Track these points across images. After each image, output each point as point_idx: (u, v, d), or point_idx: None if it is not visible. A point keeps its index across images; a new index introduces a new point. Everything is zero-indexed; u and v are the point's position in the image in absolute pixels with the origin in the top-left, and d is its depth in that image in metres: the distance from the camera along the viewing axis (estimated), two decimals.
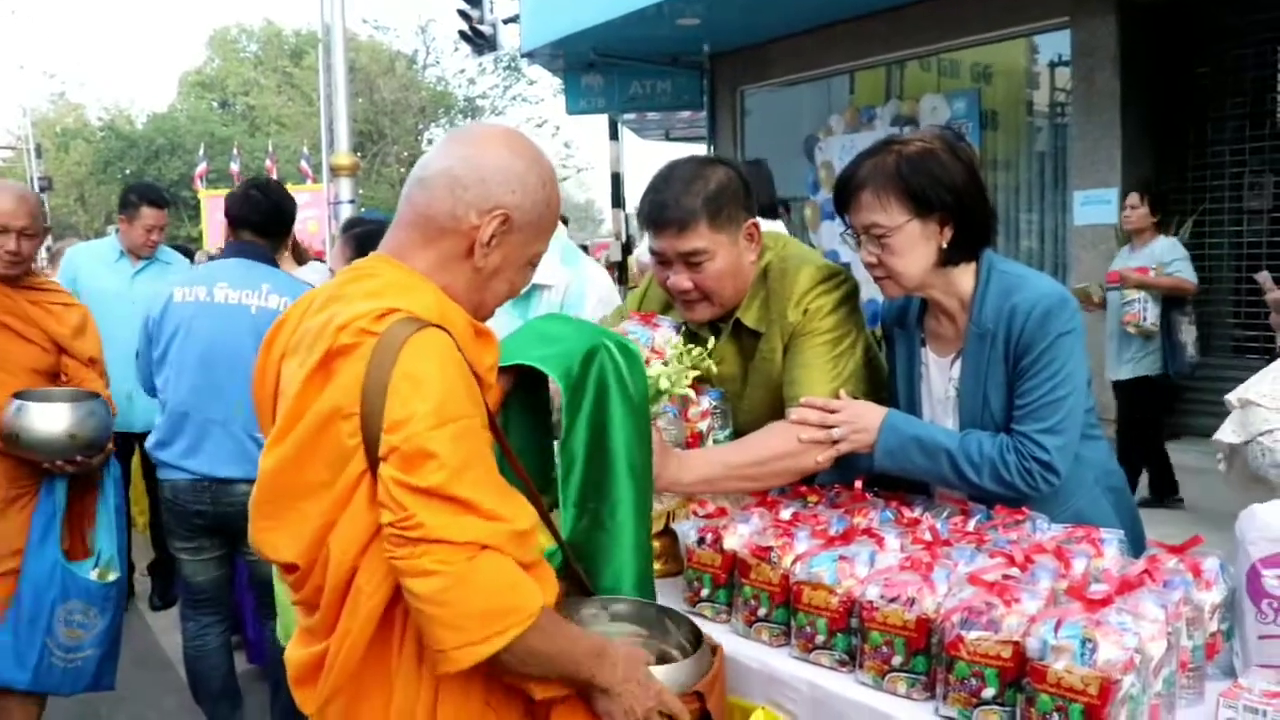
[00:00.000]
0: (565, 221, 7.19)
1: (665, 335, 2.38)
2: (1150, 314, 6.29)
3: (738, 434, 2.38)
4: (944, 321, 2.21)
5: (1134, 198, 6.58)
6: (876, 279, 2.17)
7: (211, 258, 7.64)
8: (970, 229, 2.10)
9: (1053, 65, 9.19)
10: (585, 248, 19.51)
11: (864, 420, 2.13)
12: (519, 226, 1.63)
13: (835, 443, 2.13)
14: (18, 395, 3.20)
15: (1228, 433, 2.03)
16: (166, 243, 5.60)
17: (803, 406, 2.17)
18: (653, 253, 2.33)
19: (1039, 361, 2.04)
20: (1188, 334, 6.28)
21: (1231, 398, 2.02)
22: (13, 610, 3.24)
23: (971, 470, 2.06)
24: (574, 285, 3.19)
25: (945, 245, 2.09)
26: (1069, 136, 8.75)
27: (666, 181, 2.26)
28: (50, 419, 3.18)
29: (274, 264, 3.69)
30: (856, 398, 2.22)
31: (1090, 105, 8.27)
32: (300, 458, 1.54)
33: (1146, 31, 8.13)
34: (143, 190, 5.57)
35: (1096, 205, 8.06)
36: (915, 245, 2.08)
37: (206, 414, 3.48)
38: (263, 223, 3.67)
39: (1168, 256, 6.37)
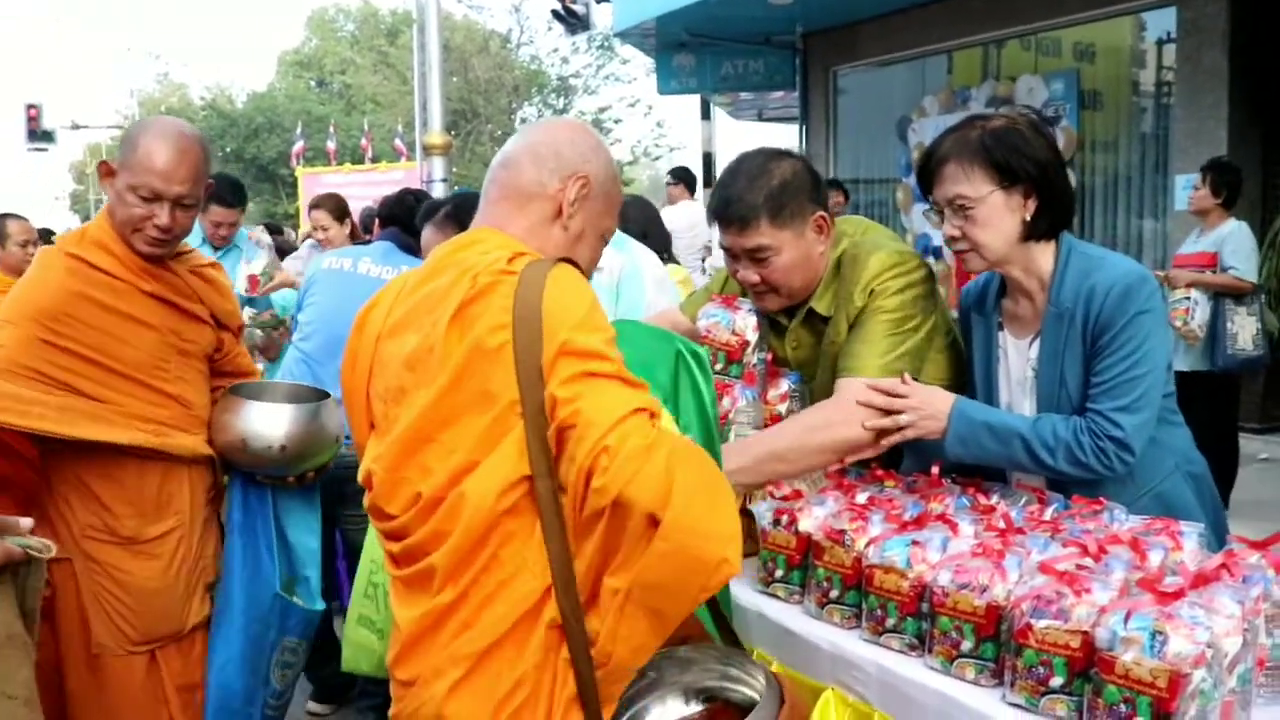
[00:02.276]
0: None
1: (745, 319, 2.41)
2: (1199, 314, 5.81)
3: None
4: (1022, 302, 2.21)
5: (1197, 178, 6.16)
6: (958, 252, 2.17)
7: (306, 237, 7.75)
8: (1052, 204, 2.11)
9: (1160, 44, 8.90)
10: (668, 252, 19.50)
11: (933, 406, 2.13)
12: (595, 195, 1.76)
13: (902, 429, 2.13)
14: (233, 391, 2.64)
15: None
16: (262, 218, 5.72)
17: (870, 390, 2.16)
18: (722, 247, 2.36)
19: (1116, 340, 2.03)
20: (1242, 326, 5.77)
21: None
22: (226, 660, 2.59)
23: (1046, 453, 2.04)
24: (628, 267, 3.23)
25: (1028, 218, 2.10)
26: (1172, 118, 8.49)
27: (733, 177, 2.29)
28: (310, 421, 2.63)
29: (417, 255, 3.84)
30: (915, 379, 2.20)
31: (1195, 85, 8.01)
32: (441, 401, 1.55)
33: (1257, 8, 7.83)
34: (212, 187, 5.57)
35: None
36: (999, 217, 2.09)
37: (330, 375, 3.49)
38: (413, 224, 3.85)
39: (1229, 245, 5.88)
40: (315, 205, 6.08)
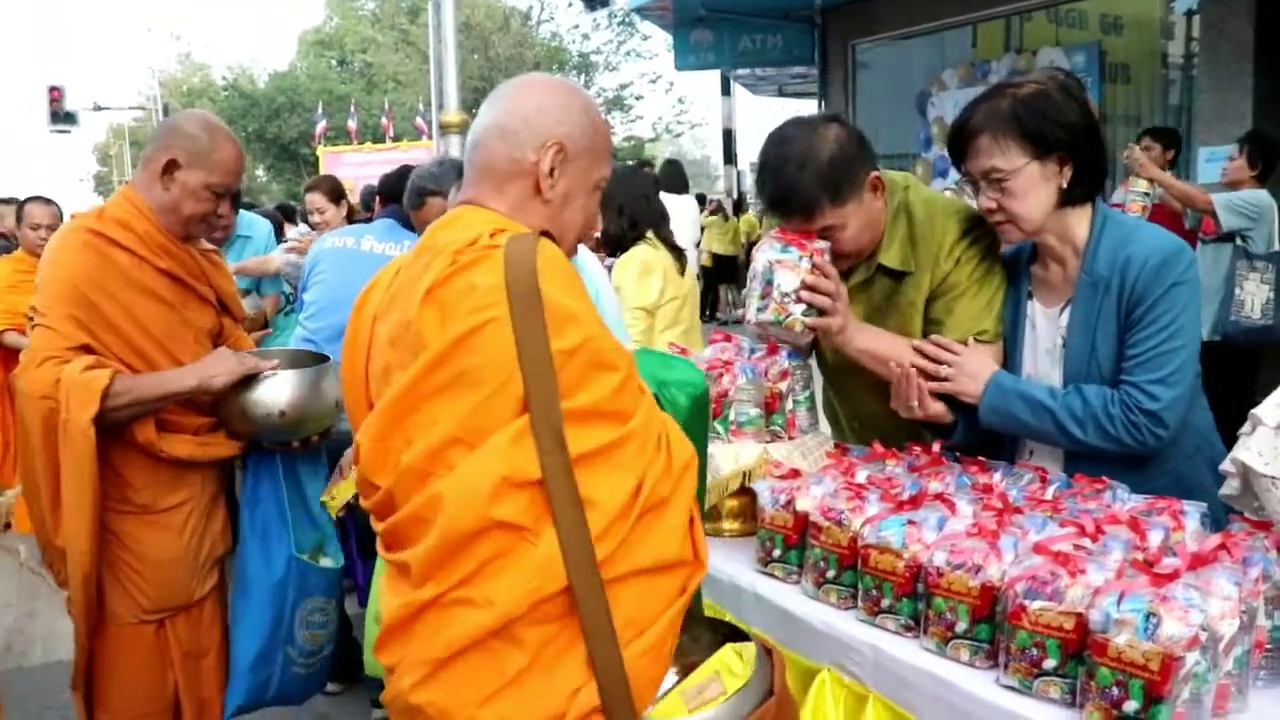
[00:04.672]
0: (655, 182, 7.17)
1: (776, 367, 2.38)
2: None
3: (848, 377, 2.45)
4: (1053, 268, 2.19)
5: (1234, 149, 6.03)
6: (996, 224, 2.15)
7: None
8: (1088, 168, 2.08)
9: (1188, 15, 8.76)
10: (702, 198, 19.43)
11: (974, 367, 2.15)
12: (575, 154, 1.68)
13: (942, 380, 2.16)
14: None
15: (1252, 455, 1.70)
16: (283, 198, 5.71)
17: (930, 341, 2.21)
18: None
19: (1152, 311, 2.00)
20: (1252, 293, 5.54)
21: (1265, 414, 1.72)
22: (243, 624, 2.68)
23: (1075, 426, 2.03)
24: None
25: (1064, 185, 2.07)
26: (1196, 90, 8.35)
27: (781, 162, 2.22)
28: (311, 386, 2.63)
29: (418, 233, 3.84)
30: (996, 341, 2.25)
31: (1219, 57, 7.88)
32: (421, 378, 1.50)
33: None
34: None
35: (1220, 163, 7.66)
36: (1036, 187, 2.06)
37: (336, 352, 3.57)
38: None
39: (1234, 200, 5.66)
40: (311, 188, 5.92)
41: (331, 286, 3.75)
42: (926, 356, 2.20)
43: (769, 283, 2.22)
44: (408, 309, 1.56)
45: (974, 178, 2.12)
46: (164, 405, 2.48)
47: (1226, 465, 1.78)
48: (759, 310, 2.24)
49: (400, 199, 3.89)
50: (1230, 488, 1.79)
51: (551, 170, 1.66)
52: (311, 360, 2.79)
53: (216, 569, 2.70)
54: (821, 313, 2.21)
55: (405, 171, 4.07)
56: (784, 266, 2.21)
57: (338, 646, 3.98)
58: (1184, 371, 2.01)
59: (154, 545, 2.53)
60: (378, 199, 4.25)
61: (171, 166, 2.51)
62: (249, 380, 2.55)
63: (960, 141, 2.13)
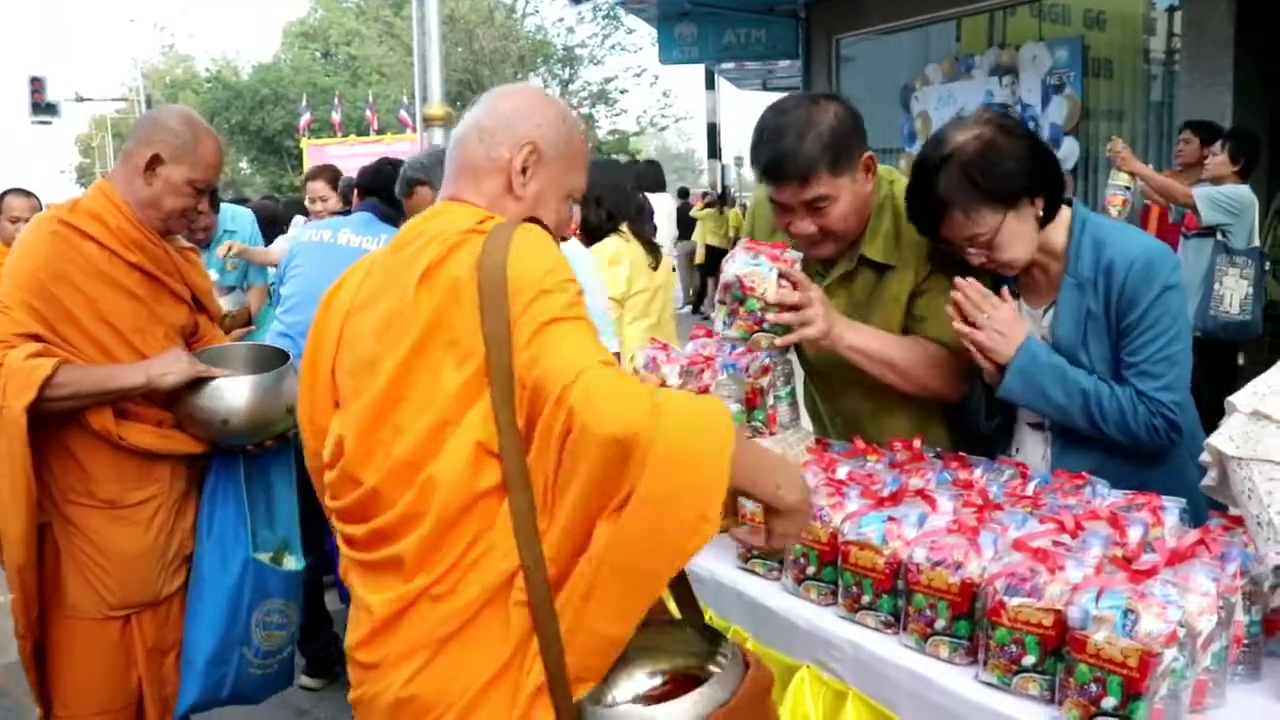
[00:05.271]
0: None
1: (757, 364, 2.32)
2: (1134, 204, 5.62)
3: (831, 373, 2.43)
4: (1035, 273, 2.20)
5: (1216, 146, 6.01)
6: (990, 270, 2.15)
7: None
8: (1055, 189, 2.10)
9: (1171, 10, 8.79)
10: (686, 193, 19.30)
11: (1011, 327, 2.10)
12: (549, 157, 1.74)
13: (974, 332, 2.10)
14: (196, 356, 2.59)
15: (1224, 439, 1.71)
16: (270, 190, 5.67)
17: (966, 285, 2.11)
18: (773, 201, 2.29)
19: (1147, 317, 2.03)
20: (1231, 288, 5.55)
21: (1239, 401, 1.73)
22: (197, 624, 2.61)
23: (1098, 414, 2.06)
24: None
25: (1040, 214, 2.10)
26: (1178, 85, 8.38)
27: (780, 131, 2.20)
28: (258, 394, 2.55)
29: (396, 225, 3.82)
30: None
31: (1200, 51, 7.90)
32: (412, 357, 1.56)
33: None
34: None
35: None
36: (1018, 232, 2.07)
37: None
38: (393, 193, 3.80)
39: (1215, 195, 5.65)
40: (312, 176, 6.03)
41: (309, 280, 3.71)
42: (966, 299, 2.13)
43: (738, 299, 2.20)
44: (401, 297, 1.60)
45: (956, 244, 2.11)
46: (113, 399, 2.44)
47: (1205, 456, 1.79)
48: (726, 325, 2.23)
49: (378, 191, 3.89)
50: (1210, 478, 1.79)
51: (524, 169, 1.72)
52: (277, 360, 2.73)
53: (185, 566, 2.65)
54: (788, 328, 2.17)
55: (383, 165, 4.06)
56: (752, 279, 2.18)
57: (318, 642, 3.99)
58: (1186, 375, 2.05)
59: (119, 540, 2.50)
60: (356, 191, 4.20)
61: (155, 162, 2.49)
62: (199, 383, 2.50)
63: (927, 216, 2.11)
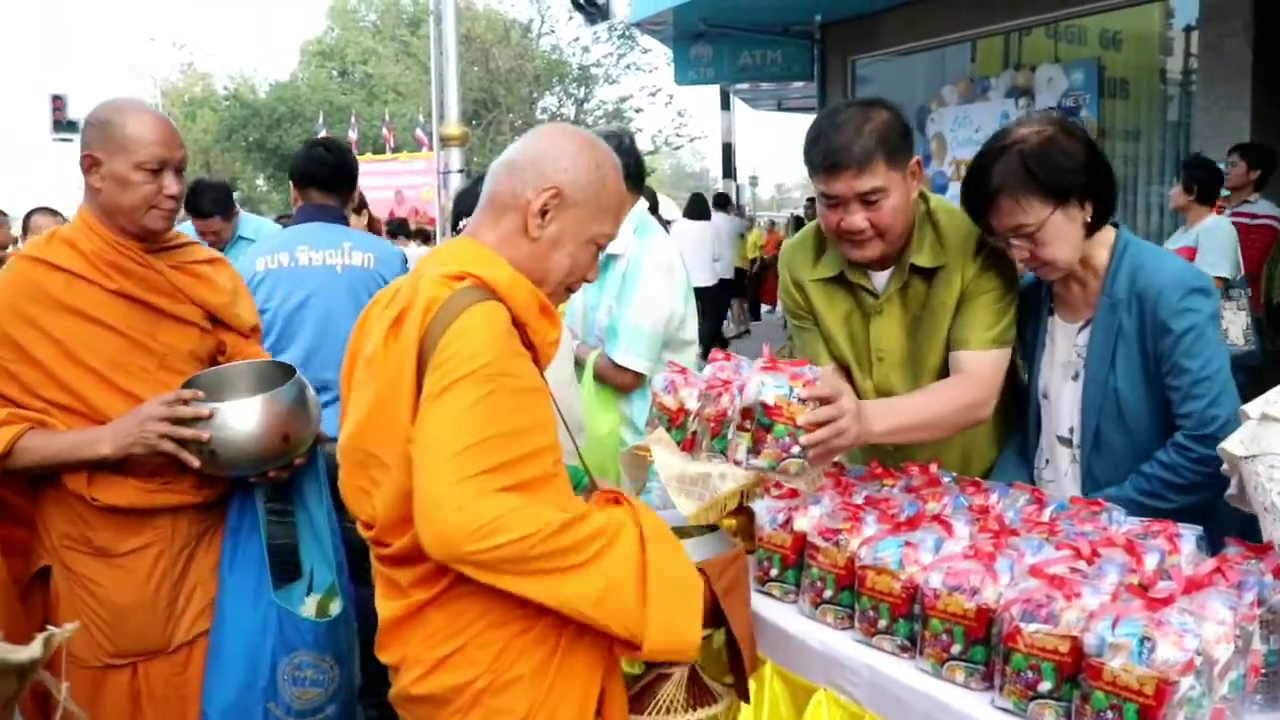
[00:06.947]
0: (652, 198, 7.14)
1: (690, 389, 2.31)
2: None
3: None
4: (1073, 288, 2.26)
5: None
6: (1033, 269, 2.20)
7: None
8: (1107, 199, 2.16)
9: (1188, 30, 8.78)
10: (725, 200, 19.42)
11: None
12: (573, 202, 1.76)
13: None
14: (190, 383, 2.39)
15: (1235, 443, 1.77)
16: (283, 208, 5.63)
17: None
18: (824, 196, 2.31)
19: (1184, 341, 2.08)
20: (1231, 321, 5.57)
21: (1250, 409, 1.78)
22: (214, 672, 2.41)
23: (1163, 501, 2.09)
24: (634, 254, 3.19)
25: (1088, 220, 2.14)
26: (1195, 106, 8.38)
27: (835, 126, 2.25)
28: (254, 418, 2.32)
29: (346, 222, 3.74)
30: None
31: (1216, 73, 7.90)
32: (380, 402, 1.69)
33: None
34: (188, 199, 5.03)
35: None
36: (1064, 232, 2.12)
37: (320, 376, 3.19)
38: (330, 177, 3.69)
39: (1204, 240, 5.74)
40: None
41: (280, 319, 3.45)
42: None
43: (763, 426, 2.04)
44: (376, 336, 1.72)
45: (1001, 234, 2.16)
46: (84, 466, 2.28)
47: (1224, 467, 1.82)
48: (750, 454, 2.07)
49: (319, 179, 3.67)
50: (1234, 486, 1.83)
51: (544, 211, 1.74)
52: (282, 378, 2.47)
53: (209, 610, 2.45)
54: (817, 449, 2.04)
55: (312, 149, 3.78)
56: (778, 404, 2.03)
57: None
58: (1231, 389, 2.09)
59: (113, 588, 2.36)
60: (293, 185, 3.78)
61: (92, 164, 2.33)
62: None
63: (979, 202, 2.18)
